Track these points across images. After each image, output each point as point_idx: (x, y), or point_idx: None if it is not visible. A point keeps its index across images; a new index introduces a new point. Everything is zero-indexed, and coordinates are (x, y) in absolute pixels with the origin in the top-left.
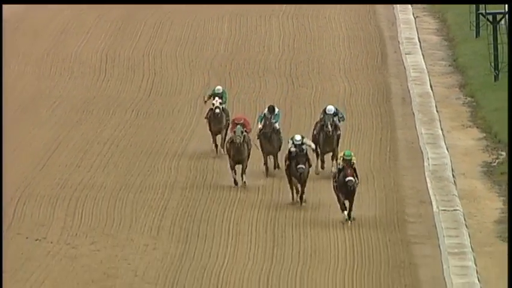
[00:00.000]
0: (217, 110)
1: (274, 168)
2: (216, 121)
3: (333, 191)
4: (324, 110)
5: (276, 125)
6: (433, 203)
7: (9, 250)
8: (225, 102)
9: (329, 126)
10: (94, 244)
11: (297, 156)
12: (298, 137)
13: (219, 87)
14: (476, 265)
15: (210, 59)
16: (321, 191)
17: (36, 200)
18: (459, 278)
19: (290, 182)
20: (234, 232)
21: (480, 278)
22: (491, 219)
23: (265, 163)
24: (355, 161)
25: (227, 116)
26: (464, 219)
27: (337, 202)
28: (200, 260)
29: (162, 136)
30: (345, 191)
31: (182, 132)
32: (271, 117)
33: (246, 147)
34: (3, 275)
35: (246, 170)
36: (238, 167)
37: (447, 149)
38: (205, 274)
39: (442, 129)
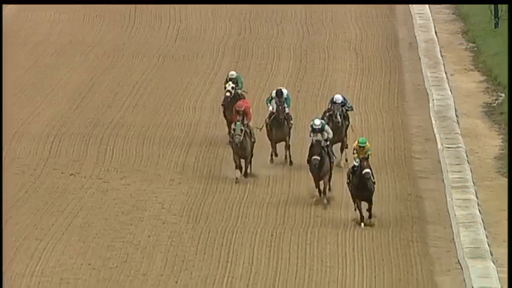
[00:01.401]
0: (228, 94)
1: (285, 159)
2: (230, 108)
3: (349, 191)
4: (332, 100)
5: (287, 109)
6: (438, 140)
7: (45, 184)
8: (240, 88)
9: (338, 117)
10: (124, 179)
11: (313, 146)
12: (317, 122)
13: (232, 72)
14: (477, 198)
15: (231, 7)
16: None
17: (70, 138)
18: (462, 210)
19: (313, 174)
20: (254, 170)
21: (481, 210)
22: (491, 156)
23: (275, 149)
24: (370, 152)
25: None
26: (467, 156)
27: (352, 201)
28: (222, 193)
29: (187, 79)
30: (362, 189)
31: (205, 75)
32: (283, 102)
33: (248, 141)
34: (42, 206)
35: (253, 163)
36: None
37: (451, 91)
38: (226, 207)
39: (446, 73)
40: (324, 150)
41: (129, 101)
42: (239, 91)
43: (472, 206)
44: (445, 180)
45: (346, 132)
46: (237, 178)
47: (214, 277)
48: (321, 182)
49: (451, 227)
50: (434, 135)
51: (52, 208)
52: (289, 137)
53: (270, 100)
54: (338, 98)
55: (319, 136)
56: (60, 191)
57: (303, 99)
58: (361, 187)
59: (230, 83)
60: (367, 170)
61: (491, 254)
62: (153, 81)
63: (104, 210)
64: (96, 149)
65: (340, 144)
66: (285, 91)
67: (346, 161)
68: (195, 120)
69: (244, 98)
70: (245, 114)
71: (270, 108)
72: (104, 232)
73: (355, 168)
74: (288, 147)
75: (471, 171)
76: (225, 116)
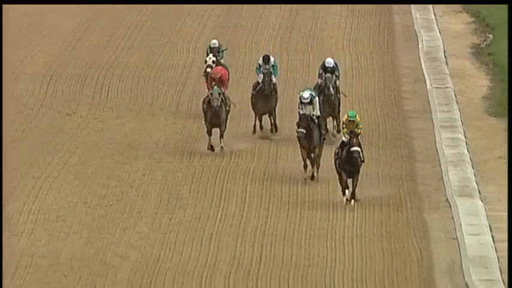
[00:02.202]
0: (208, 69)
1: (272, 131)
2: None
3: (335, 169)
4: (323, 64)
5: (274, 79)
6: (427, 81)
7: (42, 123)
8: (222, 57)
9: (331, 89)
10: (119, 118)
11: (300, 118)
12: (306, 94)
13: (214, 41)
14: (465, 137)
15: None
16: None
17: (66, 79)
18: (450, 149)
19: (301, 149)
20: (244, 110)
21: (469, 149)
22: (479, 96)
23: (260, 121)
24: (362, 126)
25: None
26: (455, 96)
27: (339, 183)
28: (216, 133)
29: (181, 20)
30: (349, 166)
31: (199, 16)
32: (270, 72)
33: (223, 109)
34: (38, 145)
35: (225, 134)
36: (216, 131)
37: (440, 32)
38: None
39: (435, 14)
40: (314, 122)
41: (124, 42)
42: (221, 61)
43: (461, 145)
44: (434, 120)
45: (339, 107)
46: (211, 146)
47: (207, 215)
48: (311, 155)
49: (440, 165)
50: (424, 75)
51: (49, 147)
52: (275, 110)
53: (258, 69)
54: (330, 61)
55: (306, 109)
56: (57, 131)
57: (295, 40)
58: (349, 161)
59: (211, 55)
60: (356, 148)
61: (479, 192)
62: (148, 23)
63: (100, 149)
64: (92, 90)
65: (332, 118)
66: (272, 58)
67: (338, 132)
68: (189, 61)
69: (227, 68)
70: (221, 82)
71: (259, 80)
72: (99, 171)
73: (345, 144)
74: (273, 119)
75: (459, 111)
76: (208, 87)
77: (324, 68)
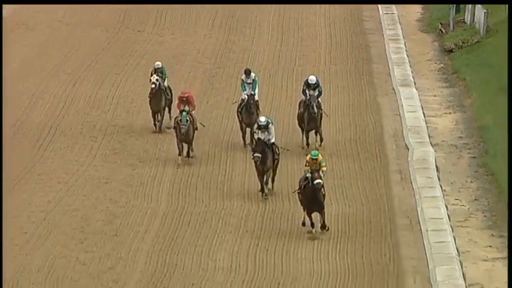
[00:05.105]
0: (153, 86)
1: (245, 144)
2: (155, 100)
3: (299, 202)
4: (307, 81)
5: (256, 96)
6: (380, 9)
7: (122, 38)
8: (164, 79)
9: (314, 108)
10: (173, 34)
11: (256, 144)
12: (262, 119)
13: (158, 62)
14: (406, 46)
15: None
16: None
17: (138, 10)
18: (395, 54)
19: (257, 171)
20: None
21: (408, 54)
22: (414, 19)
23: (244, 133)
24: (324, 164)
25: (168, 94)
26: (398, 19)
27: (304, 213)
28: (239, 44)
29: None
30: (313, 202)
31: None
32: (252, 88)
33: (191, 129)
34: (119, 52)
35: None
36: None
37: None
38: (245, 53)
39: None
40: (269, 147)
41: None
42: (165, 83)
43: (402, 52)
44: (384, 35)
45: (320, 121)
46: (179, 164)
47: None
48: (264, 177)
49: (388, 65)
50: (377, 6)
51: (126, 53)
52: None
53: (242, 84)
54: (312, 79)
55: (263, 134)
56: (131, 42)
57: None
58: (312, 199)
59: (155, 75)
60: (319, 181)
61: (415, 84)
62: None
63: (160, 55)
64: (155, 15)
65: (314, 132)
66: (252, 74)
67: (320, 145)
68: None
69: (170, 90)
70: (188, 102)
71: (243, 95)
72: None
73: (307, 181)
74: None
75: (401, 29)
76: (151, 106)
77: (308, 85)
